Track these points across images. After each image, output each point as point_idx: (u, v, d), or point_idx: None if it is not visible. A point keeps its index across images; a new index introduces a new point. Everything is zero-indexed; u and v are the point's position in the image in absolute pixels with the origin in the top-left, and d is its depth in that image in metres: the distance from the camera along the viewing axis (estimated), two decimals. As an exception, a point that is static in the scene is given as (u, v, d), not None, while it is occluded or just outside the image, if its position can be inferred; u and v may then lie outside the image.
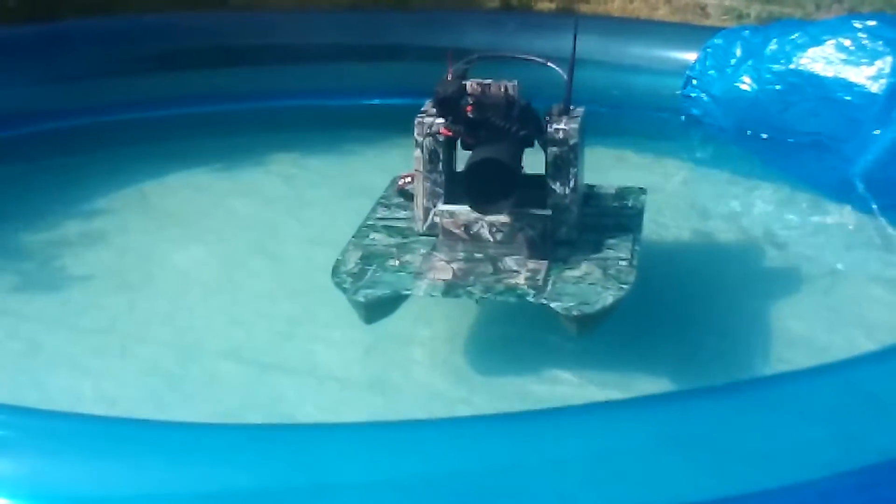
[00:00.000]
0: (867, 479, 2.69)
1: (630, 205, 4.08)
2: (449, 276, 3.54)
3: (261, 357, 3.81)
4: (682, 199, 5.28)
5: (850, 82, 5.28)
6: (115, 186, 5.16)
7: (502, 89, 3.73)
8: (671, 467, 2.63)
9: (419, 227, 3.83)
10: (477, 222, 3.67)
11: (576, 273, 3.58)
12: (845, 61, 5.31)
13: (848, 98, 5.28)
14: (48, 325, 4.04)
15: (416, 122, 3.75)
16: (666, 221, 4.92)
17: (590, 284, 3.52)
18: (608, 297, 3.43)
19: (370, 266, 3.61)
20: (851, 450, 2.75)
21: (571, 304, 3.40)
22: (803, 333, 3.96)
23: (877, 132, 5.15)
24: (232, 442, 2.76)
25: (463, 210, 3.67)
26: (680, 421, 2.79)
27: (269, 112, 5.94)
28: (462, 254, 3.66)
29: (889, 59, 5.19)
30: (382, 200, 4.08)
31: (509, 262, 3.62)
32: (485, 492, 2.60)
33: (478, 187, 3.54)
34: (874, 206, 4.97)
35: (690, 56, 5.88)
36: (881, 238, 4.80)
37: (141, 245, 4.69)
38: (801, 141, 5.44)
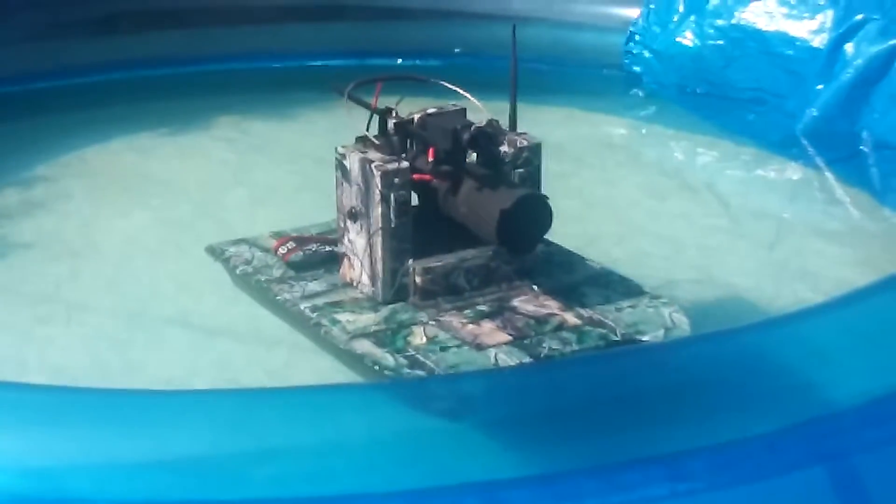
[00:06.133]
0: (813, 431, 2.70)
1: None
2: (505, 337, 3.17)
3: (208, 322, 3.78)
4: (626, 155, 5.29)
5: (792, 37, 5.30)
6: (56, 153, 5.11)
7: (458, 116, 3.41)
8: (609, 425, 2.63)
9: (383, 294, 3.34)
10: (454, 272, 3.34)
11: (595, 300, 3.34)
12: (787, 16, 5.33)
13: (790, 53, 5.31)
14: (-11, 293, 4.00)
15: (376, 172, 3.26)
16: (610, 178, 4.93)
17: (631, 308, 3.30)
18: (683, 320, 3.25)
19: (405, 353, 3.13)
20: (797, 403, 2.76)
21: (660, 332, 3.19)
22: (749, 287, 3.98)
23: (819, 87, 5.17)
24: (178, 409, 2.74)
25: (439, 262, 3.33)
26: (621, 378, 2.79)
27: (210, 75, 5.88)
28: (468, 310, 3.29)
29: (830, 13, 5.22)
30: (262, 280, 3.54)
31: (522, 305, 3.31)
32: (433, 452, 2.60)
33: (512, 230, 3.16)
34: (817, 161, 4.99)
35: (634, 12, 5.88)
36: (824, 192, 4.83)
37: (83, 211, 4.65)
38: (743, 96, 5.45)
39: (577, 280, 3.45)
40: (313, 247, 3.61)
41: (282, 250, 3.61)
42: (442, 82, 3.47)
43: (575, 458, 2.54)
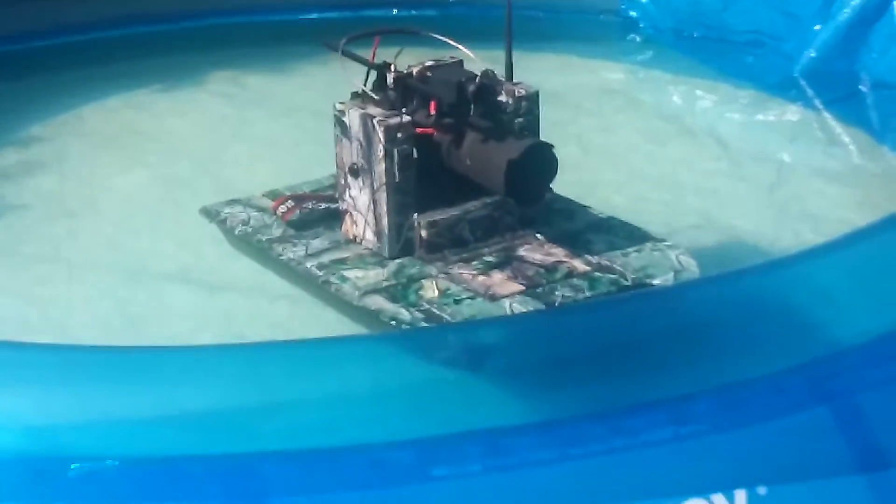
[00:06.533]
0: (817, 371, 2.71)
1: None
2: (518, 287, 3.16)
3: (209, 278, 3.79)
4: (624, 101, 5.27)
5: (789, -22, 5.27)
6: (52, 112, 5.09)
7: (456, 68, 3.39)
8: (611, 370, 2.63)
9: (389, 249, 3.33)
10: (458, 224, 3.33)
11: (600, 246, 3.34)
12: (783, -44, 5.30)
13: (787, -6, 5.28)
14: (-11, 255, 4.00)
15: (379, 127, 3.25)
16: (609, 125, 4.92)
17: (636, 252, 3.30)
18: (691, 262, 3.27)
19: (419, 307, 3.13)
20: (800, 344, 2.77)
21: (669, 275, 3.21)
22: (750, 230, 3.98)
23: (817, 28, 5.14)
24: (183, 364, 2.75)
25: (443, 215, 3.32)
26: (622, 323, 2.79)
27: (206, 30, 5.84)
28: (475, 262, 3.28)
29: (827, -48, 5.19)
30: (263, 239, 3.52)
31: (529, 253, 3.30)
32: (437, 401, 2.60)
33: (519, 181, 3.14)
34: (817, 102, 4.98)
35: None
36: (824, 132, 4.81)
37: (82, 170, 4.65)
38: (740, 39, 5.43)
39: (579, 227, 3.46)
40: (311, 204, 3.59)
41: (281, 209, 3.58)
42: (434, 35, 3.45)
43: (578, 404, 2.55)
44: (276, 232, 3.55)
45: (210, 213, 3.72)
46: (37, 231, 4.17)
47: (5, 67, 5.42)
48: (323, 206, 3.57)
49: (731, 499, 2.44)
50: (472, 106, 3.33)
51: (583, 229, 3.44)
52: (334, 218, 3.52)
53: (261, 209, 3.66)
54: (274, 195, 3.70)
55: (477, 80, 3.31)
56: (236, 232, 3.62)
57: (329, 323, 3.39)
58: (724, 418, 2.57)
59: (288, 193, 3.67)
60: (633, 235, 3.42)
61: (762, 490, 2.46)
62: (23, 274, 3.89)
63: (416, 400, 2.60)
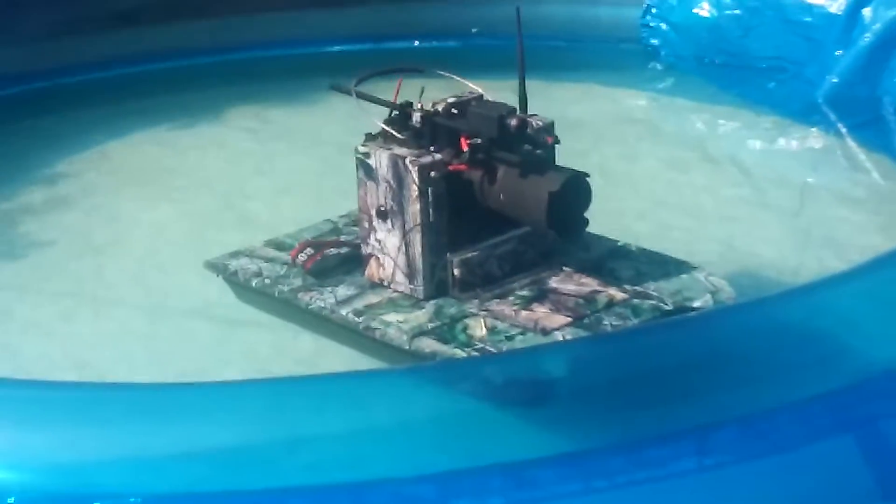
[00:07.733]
0: (841, 400, 2.69)
1: None
2: (565, 319, 3.14)
3: (233, 314, 3.78)
4: (647, 128, 5.27)
5: (810, 4, 5.27)
6: (77, 149, 5.14)
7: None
8: (634, 400, 2.62)
9: (424, 290, 3.31)
10: (488, 260, 3.30)
11: (627, 273, 3.35)
12: (803, -18, 5.30)
13: (808, 19, 5.27)
14: (16, 291, 4.02)
15: (412, 168, 3.22)
16: (631, 153, 4.92)
17: (670, 278, 3.30)
18: (721, 282, 3.28)
19: (473, 347, 3.11)
20: (825, 372, 2.75)
21: (706, 296, 3.22)
22: (774, 257, 3.97)
23: (839, 53, 5.13)
24: (207, 400, 2.75)
25: (473, 253, 3.29)
26: (644, 353, 2.79)
27: (227, 65, 5.88)
28: (510, 297, 3.25)
29: (847, -22, 5.18)
30: (286, 290, 3.45)
31: (561, 285, 3.28)
32: (469, 435, 2.59)
33: (560, 213, 3.13)
34: (839, 127, 4.96)
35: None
36: (847, 158, 4.80)
37: (107, 206, 4.67)
38: (762, 65, 5.43)
39: (599, 255, 3.45)
40: (333, 251, 3.54)
41: (301, 258, 3.53)
42: (439, 71, 3.44)
43: (601, 435, 2.54)
44: (296, 281, 3.48)
45: (217, 268, 3.66)
46: (62, 268, 4.19)
47: (30, 105, 5.49)
48: (345, 250, 3.53)
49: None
50: (514, 140, 3.27)
51: (603, 257, 3.43)
52: (351, 263, 3.49)
53: (268, 259, 3.60)
54: (274, 244, 3.66)
55: (517, 115, 3.26)
56: (253, 284, 3.54)
57: (350, 357, 3.39)
58: (748, 448, 2.56)
59: (293, 242, 3.62)
60: (653, 260, 3.41)
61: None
62: (47, 311, 3.91)
63: (438, 433, 2.59)
